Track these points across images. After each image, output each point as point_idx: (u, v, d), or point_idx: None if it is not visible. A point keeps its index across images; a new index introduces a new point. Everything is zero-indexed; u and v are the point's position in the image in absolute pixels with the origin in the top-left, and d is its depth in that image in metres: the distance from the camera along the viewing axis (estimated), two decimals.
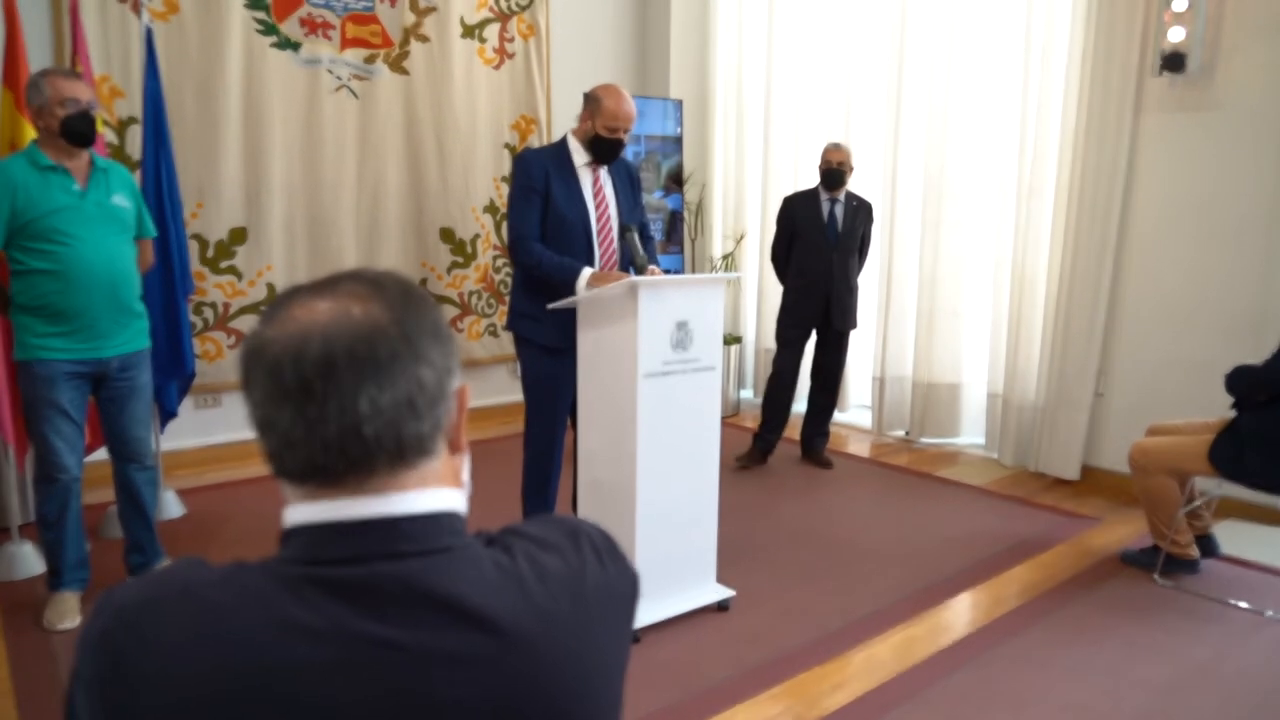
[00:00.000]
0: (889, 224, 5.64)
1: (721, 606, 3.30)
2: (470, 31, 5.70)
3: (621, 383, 3.02)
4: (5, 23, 3.61)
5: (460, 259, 5.83)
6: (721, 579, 3.38)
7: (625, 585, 0.95)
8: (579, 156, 3.39)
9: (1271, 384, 3.26)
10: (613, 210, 3.44)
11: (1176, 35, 4.17)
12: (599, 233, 3.39)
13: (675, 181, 6.42)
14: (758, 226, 6.52)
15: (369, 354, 0.79)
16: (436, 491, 0.84)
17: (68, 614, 3.14)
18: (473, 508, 0.92)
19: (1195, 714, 2.66)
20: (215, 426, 5.01)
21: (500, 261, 5.97)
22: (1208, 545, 3.69)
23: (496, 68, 5.86)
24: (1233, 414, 3.41)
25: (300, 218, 5.15)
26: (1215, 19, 4.14)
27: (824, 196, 5.02)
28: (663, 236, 6.34)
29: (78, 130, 2.98)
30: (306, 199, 5.15)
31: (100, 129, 3.16)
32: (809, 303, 5.02)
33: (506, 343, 5.99)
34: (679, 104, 6.43)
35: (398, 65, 5.41)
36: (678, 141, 6.43)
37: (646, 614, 3.08)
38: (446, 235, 5.74)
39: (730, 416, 6.26)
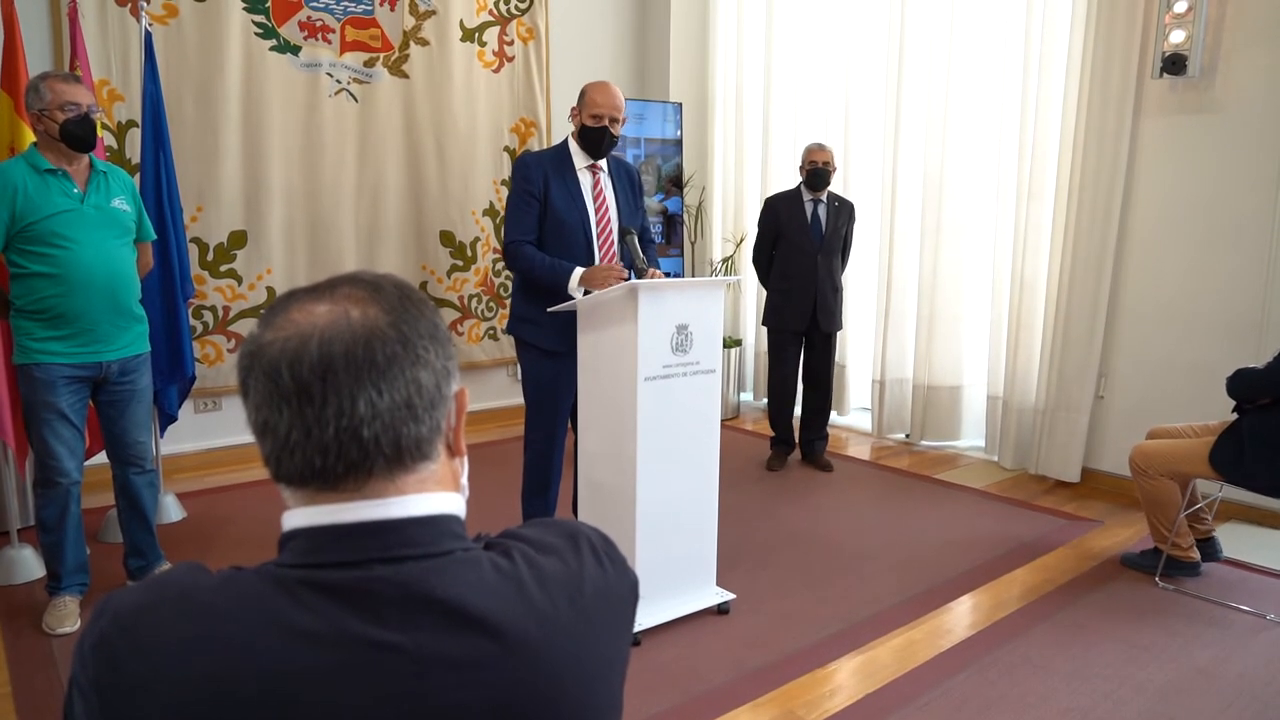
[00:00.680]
0: (889, 227, 5.64)
1: (721, 610, 3.30)
2: (470, 35, 5.70)
3: (621, 386, 3.02)
4: (4, 26, 3.61)
5: (460, 262, 5.83)
6: (721, 582, 3.38)
7: (624, 588, 0.95)
8: (579, 159, 3.40)
9: (1273, 387, 3.26)
10: (613, 213, 3.45)
11: (1177, 37, 4.17)
12: (599, 235, 3.39)
13: (675, 184, 6.43)
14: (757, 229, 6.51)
15: (367, 357, 0.78)
16: (435, 495, 0.84)
17: (67, 618, 3.13)
18: (472, 511, 0.91)
19: (1196, 718, 2.65)
20: (215, 430, 5.01)
21: (500, 265, 5.97)
22: (1209, 548, 3.68)
23: (496, 71, 5.86)
24: (1234, 417, 3.41)
25: (300, 221, 5.15)
26: (1216, 21, 4.14)
27: (807, 197, 5.02)
28: (662, 240, 6.34)
29: (78, 134, 2.98)
30: (306, 202, 5.15)
31: (100, 133, 3.16)
32: (796, 306, 5.01)
33: (506, 346, 6.00)
34: (678, 107, 6.44)
35: (397, 69, 5.41)
36: (677, 144, 6.44)
37: (646, 617, 3.08)
38: (446, 238, 5.74)
39: (730, 419, 6.26)
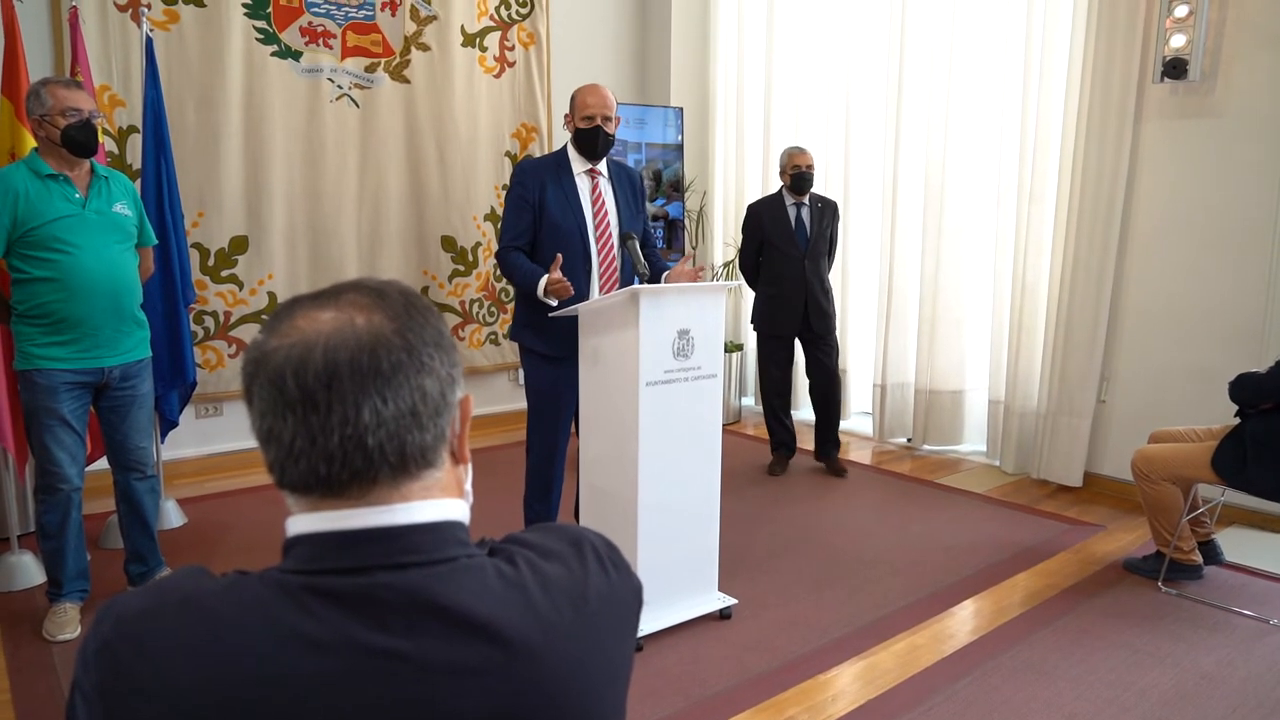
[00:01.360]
0: (890, 231, 5.64)
1: (723, 615, 3.29)
2: (471, 40, 5.71)
3: (623, 391, 3.01)
4: (5, 31, 3.61)
5: (461, 267, 5.83)
6: (723, 587, 3.37)
7: (628, 593, 0.95)
8: (578, 164, 3.40)
9: (1275, 391, 3.25)
10: (613, 217, 3.44)
11: (1178, 41, 4.17)
12: (597, 240, 3.39)
13: (675, 189, 6.43)
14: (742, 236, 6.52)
15: (372, 364, 0.78)
16: (439, 502, 0.84)
17: (68, 625, 3.13)
18: (475, 516, 0.91)
19: None
20: (216, 436, 5.01)
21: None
22: (1211, 552, 3.68)
23: (497, 76, 5.87)
24: (1236, 421, 3.40)
25: (301, 226, 5.15)
26: (1216, 25, 4.14)
27: (789, 201, 5.01)
28: (663, 244, 6.34)
29: (79, 140, 2.98)
30: (307, 208, 5.15)
31: (101, 138, 3.16)
32: (788, 311, 5.01)
33: (508, 351, 5.99)
34: (679, 112, 6.44)
35: (398, 74, 5.41)
36: (678, 149, 6.44)
37: (648, 622, 3.07)
38: (448, 244, 5.74)
39: (731, 424, 6.25)
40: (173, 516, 4.21)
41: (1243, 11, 4.08)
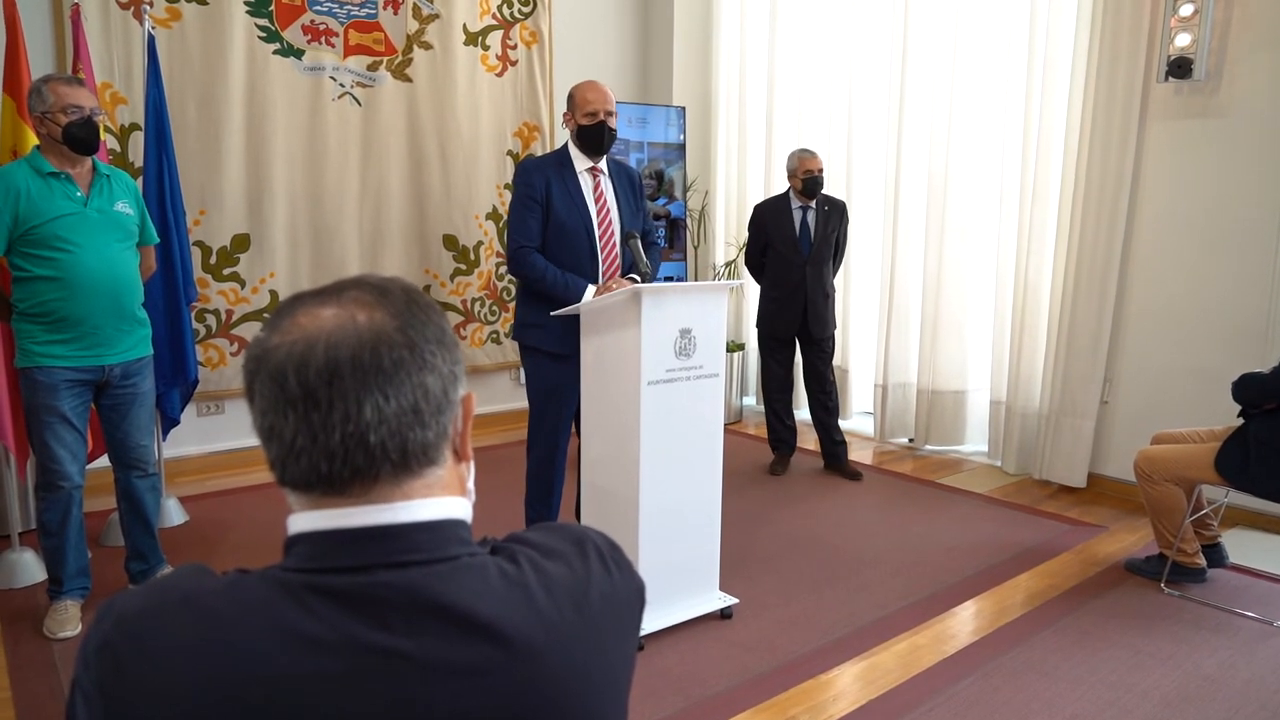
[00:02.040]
0: (892, 230, 5.63)
1: (725, 614, 3.29)
2: (473, 39, 5.70)
3: (625, 390, 3.01)
4: (6, 29, 3.61)
5: (463, 266, 5.83)
6: (725, 587, 3.37)
7: (630, 593, 0.94)
8: (580, 162, 3.40)
9: (1278, 391, 3.25)
10: (614, 216, 3.44)
11: (1182, 41, 4.16)
12: (601, 238, 3.39)
13: (678, 188, 6.42)
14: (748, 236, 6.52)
15: (374, 362, 0.78)
16: (441, 500, 0.84)
17: (68, 622, 3.12)
18: (476, 515, 0.91)
19: None
20: (217, 434, 5.01)
21: (503, 269, 5.97)
22: (1215, 554, 3.67)
23: (499, 75, 5.86)
24: (1239, 422, 3.40)
25: (303, 225, 5.15)
26: (1221, 25, 4.13)
27: (795, 204, 4.98)
28: (664, 244, 6.34)
29: (81, 137, 2.97)
30: (309, 206, 5.15)
31: (103, 136, 3.15)
32: (786, 314, 5.01)
33: (510, 349, 5.99)
34: (682, 111, 6.44)
35: (400, 72, 5.41)
36: (680, 149, 6.44)
37: (649, 621, 3.07)
38: (450, 242, 5.74)
39: (733, 423, 6.25)
40: (174, 514, 4.21)
41: (1247, 11, 4.07)
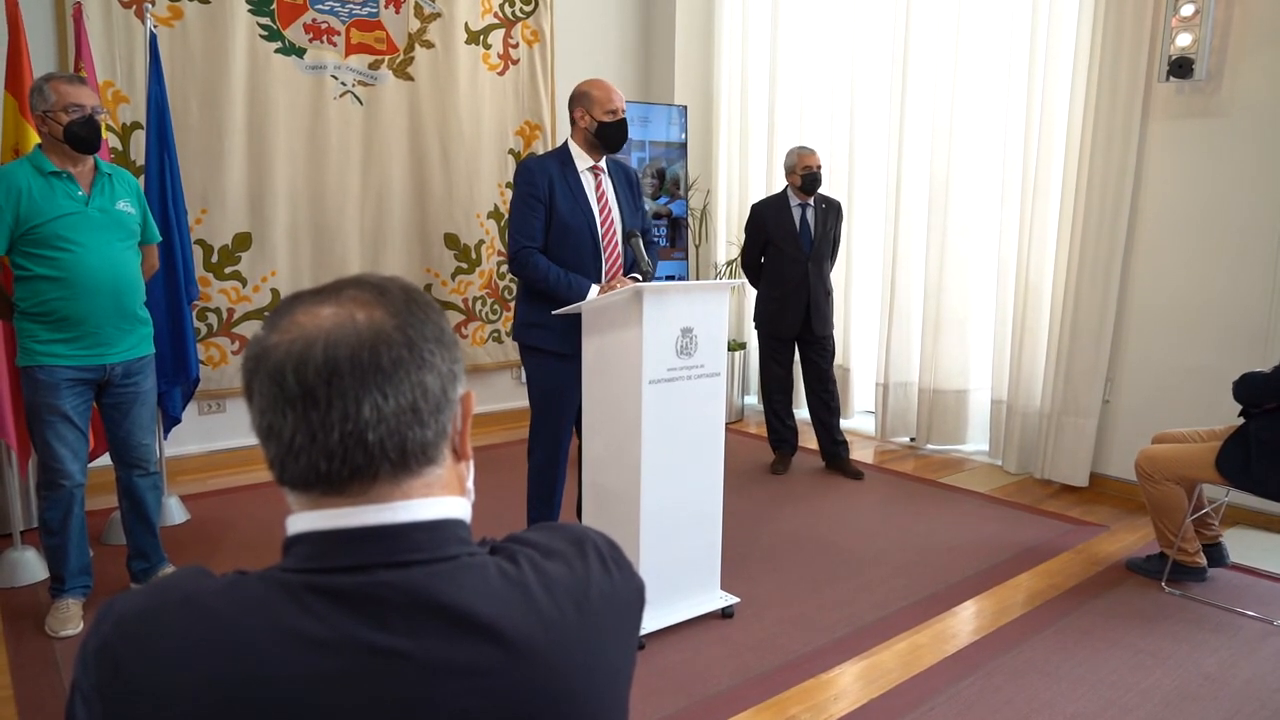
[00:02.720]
0: (894, 229, 5.63)
1: (726, 614, 3.29)
2: (475, 37, 5.70)
3: (626, 389, 3.01)
4: (8, 27, 3.61)
5: (464, 265, 5.83)
6: (726, 586, 3.37)
7: (631, 593, 0.94)
8: (581, 161, 3.40)
9: (1279, 391, 3.24)
10: (615, 214, 3.44)
11: (1183, 41, 4.16)
12: (604, 237, 3.39)
13: (679, 187, 6.42)
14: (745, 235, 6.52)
15: (373, 361, 0.78)
16: (441, 499, 0.84)
17: (70, 621, 3.13)
18: (477, 514, 0.91)
19: None
20: (219, 432, 5.01)
21: (504, 268, 5.97)
22: (1216, 554, 3.66)
23: (501, 73, 5.86)
24: (1240, 421, 3.39)
25: (304, 223, 5.15)
26: (1223, 25, 4.13)
27: (794, 202, 4.99)
28: (666, 243, 6.33)
29: (82, 136, 2.97)
30: (310, 205, 5.16)
31: (104, 135, 3.15)
32: (789, 313, 5.00)
33: (511, 348, 5.99)
34: (683, 110, 6.43)
35: (402, 71, 5.41)
36: (682, 147, 6.43)
37: (650, 621, 3.07)
38: (451, 241, 5.74)
39: (734, 423, 6.25)
40: (175, 513, 4.22)
41: (1248, 11, 4.07)
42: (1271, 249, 4.08)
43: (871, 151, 5.87)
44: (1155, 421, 4.25)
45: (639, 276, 3.26)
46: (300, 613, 0.76)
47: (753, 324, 5.36)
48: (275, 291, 5.07)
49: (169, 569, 3.44)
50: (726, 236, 6.76)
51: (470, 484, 0.92)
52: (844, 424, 5.39)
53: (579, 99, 3.39)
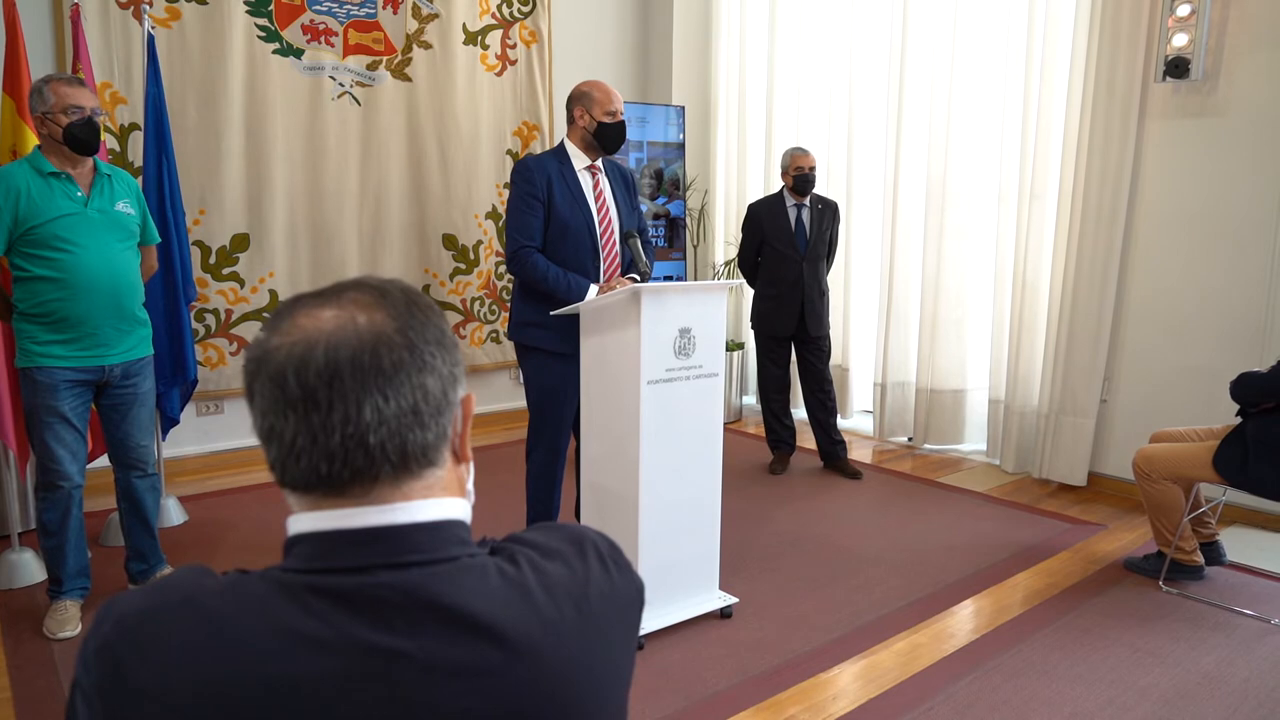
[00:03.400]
0: (891, 229, 5.64)
1: (724, 614, 3.29)
2: (473, 38, 5.70)
3: (624, 389, 3.01)
4: (6, 29, 3.61)
5: (463, 265, 5.83)
6: (724, 586, 3.37)
7: (630, 593, 0.95)
8: (578, 161, 3.40)
9: (1276, 391, 3.25)
10: (613, 214, 3.45)
11: (1180, 41, 4.17)
12: (602, 237, 3.39)
13: (677, 188, 6.42)
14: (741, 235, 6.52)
15: (374, 363, 0.78)
16: (441, 501, 0.84)
17: (68, 622, 3.13)
18: (476, 515, 0.91)
19: None
20: (217, 433, 5.01)
21: (503, 268, 5.97)
22: (1213, 552, 3.67)
23: (499, 74, 5.87)
24: (1237, 421, 3.40)
25: (302, 224, 5.15)
26: (1219, 25, 4.14)
27: (789, 203, 4.99)
28: (664, 243, 6.34)
29: (82, 137, 2.97)
30: (309, 205, 5.15)
31: (103, 136, 3.15)
32: (784, 313, 5.01)
33: (509, 349, 5.99)
34: (681, 110, 6.44)
35: (400, 72, 5.41)
36: (680, 148, 6.44)
37: (649, 620, 3.07)
38: (449, 241, 5.74)
39: (733, 423, 6.25)
40: (174, 514, 4.21)
41: (1245, 11, 4.08)
42: (1268, 248, 4.09)
43: (869, 151, 5.87)
44: (1153, 421, 4.26)
45: (637, 276, 3.26)
46: (301, 613, 0.76)
47: (750, 326, 5.36)
48: (273, 292, 5.07)
49: (167, 570, 3.44)
50: (724, 237, 6.77)
51: (470, 485, 0.92)
52: (842, 424, 5.39)
53: (579, 98, 3.40)
